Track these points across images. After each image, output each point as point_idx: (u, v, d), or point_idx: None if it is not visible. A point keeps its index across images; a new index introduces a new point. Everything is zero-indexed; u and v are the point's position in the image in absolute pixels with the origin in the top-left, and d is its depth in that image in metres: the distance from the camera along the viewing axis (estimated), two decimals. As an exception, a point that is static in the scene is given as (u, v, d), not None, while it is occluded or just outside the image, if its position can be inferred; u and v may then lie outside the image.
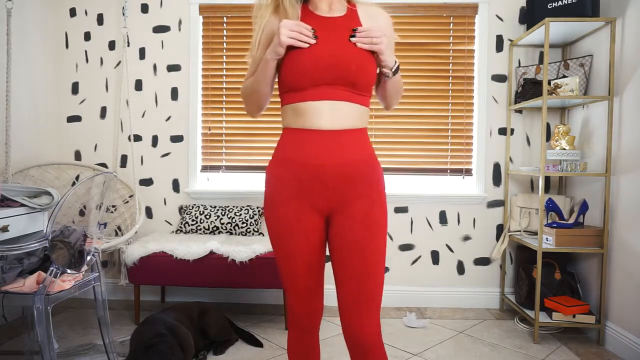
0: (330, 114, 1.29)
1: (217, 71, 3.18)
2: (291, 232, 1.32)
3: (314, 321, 1.40)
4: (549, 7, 2.65)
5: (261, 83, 1.34)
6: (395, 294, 3.12)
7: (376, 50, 1.28)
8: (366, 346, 1.28)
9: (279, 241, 1.35)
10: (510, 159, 3.08)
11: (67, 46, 3.21)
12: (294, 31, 1.24)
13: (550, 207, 2.63)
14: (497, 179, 3.10)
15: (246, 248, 2.59)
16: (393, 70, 1.33)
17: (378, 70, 1.37)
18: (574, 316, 2.49)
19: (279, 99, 1.38)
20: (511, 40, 3.04)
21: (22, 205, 2.10)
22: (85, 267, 1.94)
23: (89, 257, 1.95)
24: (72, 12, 3.20)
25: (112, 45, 3.19)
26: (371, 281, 1.28)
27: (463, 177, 3.14)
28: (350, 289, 1.28)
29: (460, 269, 3.13)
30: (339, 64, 1.27)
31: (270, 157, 1.40)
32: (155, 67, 3.18)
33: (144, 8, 3.17)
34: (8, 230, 1.97)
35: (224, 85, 3.18)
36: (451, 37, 3.09)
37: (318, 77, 1.27)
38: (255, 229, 3.00)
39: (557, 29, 2.63)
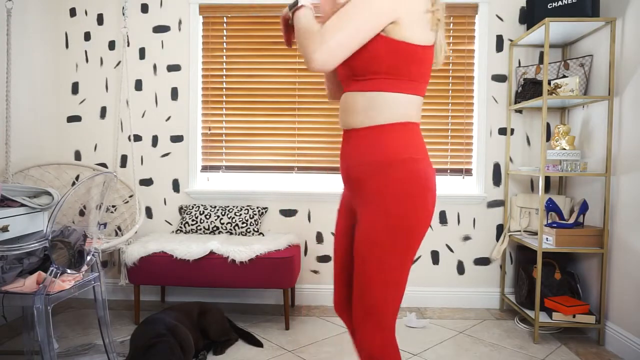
0: (342, 109, 1.25)
1: (217, 71, 3.18)
2: (335, 234, 1.41)
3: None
4: (549, 7, 2.65)
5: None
6: (395, 294, 3.12)
7: None
8: (366, 355, 1.21)
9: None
10: (510, 159, 3.08)
11: (67, 46, 3.21)
12: None
13: (550, 207, 2.63)
14: (497, 179, 3.10)
15: (246, 248, 2.59)
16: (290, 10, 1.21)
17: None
18: (574, 316, 2.49)
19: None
20: (511, 40, 3.04)
21: (22, 205, 2.10)
22: (85, 267, 1.94)
23: (89, 257, 1.95)
24: (72, 12, 3.20)
25: (112, 45, 3.20)
26: (369, 295, 1.19)
27: (463, 177, 3.14)
28: (355, 295, 1.23)
29: (460, 269, 3.13)
30: None
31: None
32: (155, 67, 3.18)
33: (144, 8, 3.17)
34: (8, 230, 1.97)
35: (224, 85, 3.18)
36: (451, 37, 3.09)
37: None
38: (255, 229, 3.00)
39: (557, 29, 2.63)
